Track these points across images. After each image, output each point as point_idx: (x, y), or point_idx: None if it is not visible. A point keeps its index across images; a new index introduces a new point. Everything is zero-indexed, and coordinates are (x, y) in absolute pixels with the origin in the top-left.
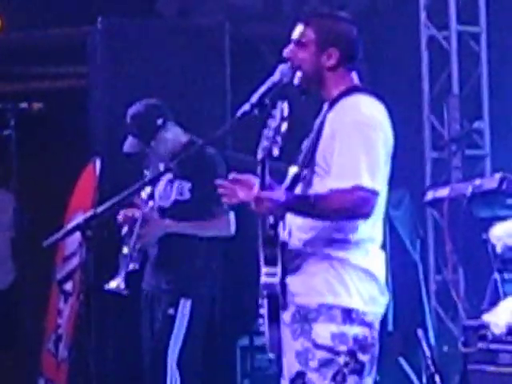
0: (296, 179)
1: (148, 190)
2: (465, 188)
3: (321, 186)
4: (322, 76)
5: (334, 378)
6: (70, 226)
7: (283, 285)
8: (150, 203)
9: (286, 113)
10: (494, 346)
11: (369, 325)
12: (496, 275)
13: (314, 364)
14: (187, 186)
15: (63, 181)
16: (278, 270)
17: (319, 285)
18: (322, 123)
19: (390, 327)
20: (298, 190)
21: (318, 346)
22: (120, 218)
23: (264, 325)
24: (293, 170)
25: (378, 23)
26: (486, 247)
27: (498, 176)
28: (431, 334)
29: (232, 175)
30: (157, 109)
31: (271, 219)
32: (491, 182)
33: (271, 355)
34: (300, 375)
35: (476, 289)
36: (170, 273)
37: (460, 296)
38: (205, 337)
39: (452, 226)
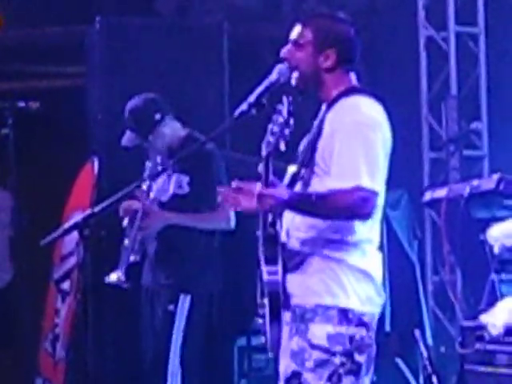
0: (295, 179)
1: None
2: (462, 189)
3: (319, 185)
4: (319, 77)
5: (329, 378)
6: (67, 224)
7: (284, 284)
8: (151, 195)
9: (291, 107)
10: (491, 347)
11: (366, 325)
12: (493, 276)
13: (309, 364)
14: (185, 179)
15: (61, 180)
16: (279, 268)
17: (316, 285)
18: (321, 123)
19: (388, 327)
20: (297, 189)
21: (313, 347)
22: (121, 210)
23: (265, 324)
24: (291, 169)
25: (376, 23)
26: (483, 248)
27: (495, 177)
28: (428, 334)
29: (234, 183)
30: (155, 103)
31: (270, 218)
32: (489, 182)
33: (271, 354)
34: (296, 375)
35: (473, 289)
36: (170, 268)
37: (457, 297)
38: (204, 335)
39: (450, 227)
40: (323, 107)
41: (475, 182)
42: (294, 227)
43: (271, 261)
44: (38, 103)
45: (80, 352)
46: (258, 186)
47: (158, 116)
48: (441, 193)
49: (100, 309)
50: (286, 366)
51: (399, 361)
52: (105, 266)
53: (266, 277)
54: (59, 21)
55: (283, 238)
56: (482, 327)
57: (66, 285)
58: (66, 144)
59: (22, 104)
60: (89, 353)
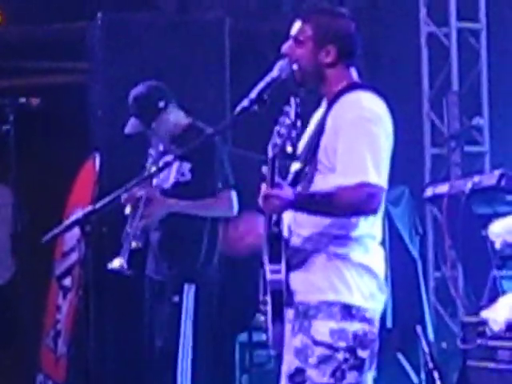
0: (297, 176)
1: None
2: (464, 184)
3: (323, 183)
4: (320, 73)
5: (333, 374)
6: (68, 221)
7: (287, 281)
8: (154, 181)
9: (299, 109)
10: (492, 343)
11: (369, 321)
12: (495, 272)
13: (313, 360)
14: (187, 166)
15: (62, 176)
16: (283, 266)
17: (320, 282)
18: (324, 120)
19: (389, 323)
20: (300, 187)
21: (317, 343)
22: (123, 198)
23: (267, 321)
24: (295, 166)
25: (377, 19)
26: (485, 244)
27: (497, 173)
28: (430, 330)
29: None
30: (159, 91)
31: (275, 216)
32: (490, 178)
33: (273, 352)
34: (299, 372)
35: (475, 285)
36: (173, 257)
37: (459, 292)
38: (211, 327)
39: (451, 223)
40: (324, 103)
41: (477, 178)
42: (296, 224)
43: (275, 259)
44: (38, 99)
45: (81, 348)
46: (263, 188)
47: (161, 103)
48: (442, 189)
49: (101, 305)
50: (289, 363)
51: (401, 356)
52: (106, 262)
53: (269, 276)
54: (60, 17)
55: (286, 235)
56: (484, 323)
57: (67, 281)
58: (67, 140)
59: (22, 100)
60: (90, 349)
